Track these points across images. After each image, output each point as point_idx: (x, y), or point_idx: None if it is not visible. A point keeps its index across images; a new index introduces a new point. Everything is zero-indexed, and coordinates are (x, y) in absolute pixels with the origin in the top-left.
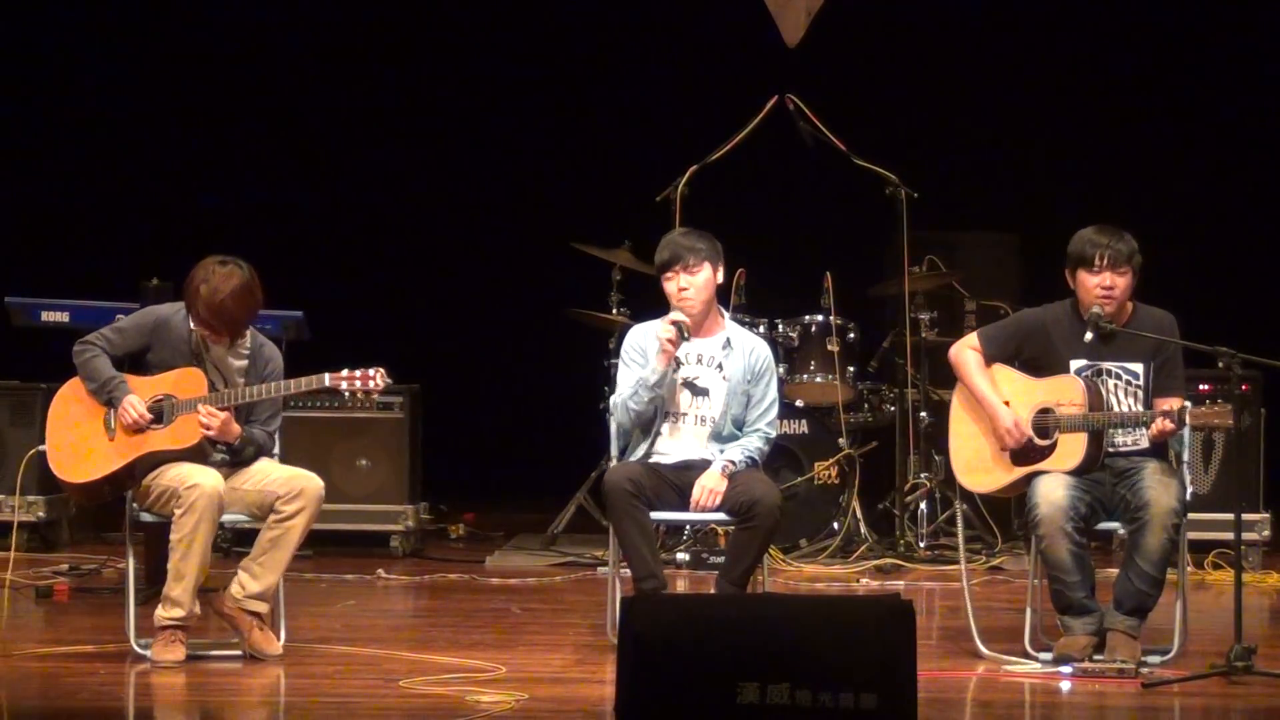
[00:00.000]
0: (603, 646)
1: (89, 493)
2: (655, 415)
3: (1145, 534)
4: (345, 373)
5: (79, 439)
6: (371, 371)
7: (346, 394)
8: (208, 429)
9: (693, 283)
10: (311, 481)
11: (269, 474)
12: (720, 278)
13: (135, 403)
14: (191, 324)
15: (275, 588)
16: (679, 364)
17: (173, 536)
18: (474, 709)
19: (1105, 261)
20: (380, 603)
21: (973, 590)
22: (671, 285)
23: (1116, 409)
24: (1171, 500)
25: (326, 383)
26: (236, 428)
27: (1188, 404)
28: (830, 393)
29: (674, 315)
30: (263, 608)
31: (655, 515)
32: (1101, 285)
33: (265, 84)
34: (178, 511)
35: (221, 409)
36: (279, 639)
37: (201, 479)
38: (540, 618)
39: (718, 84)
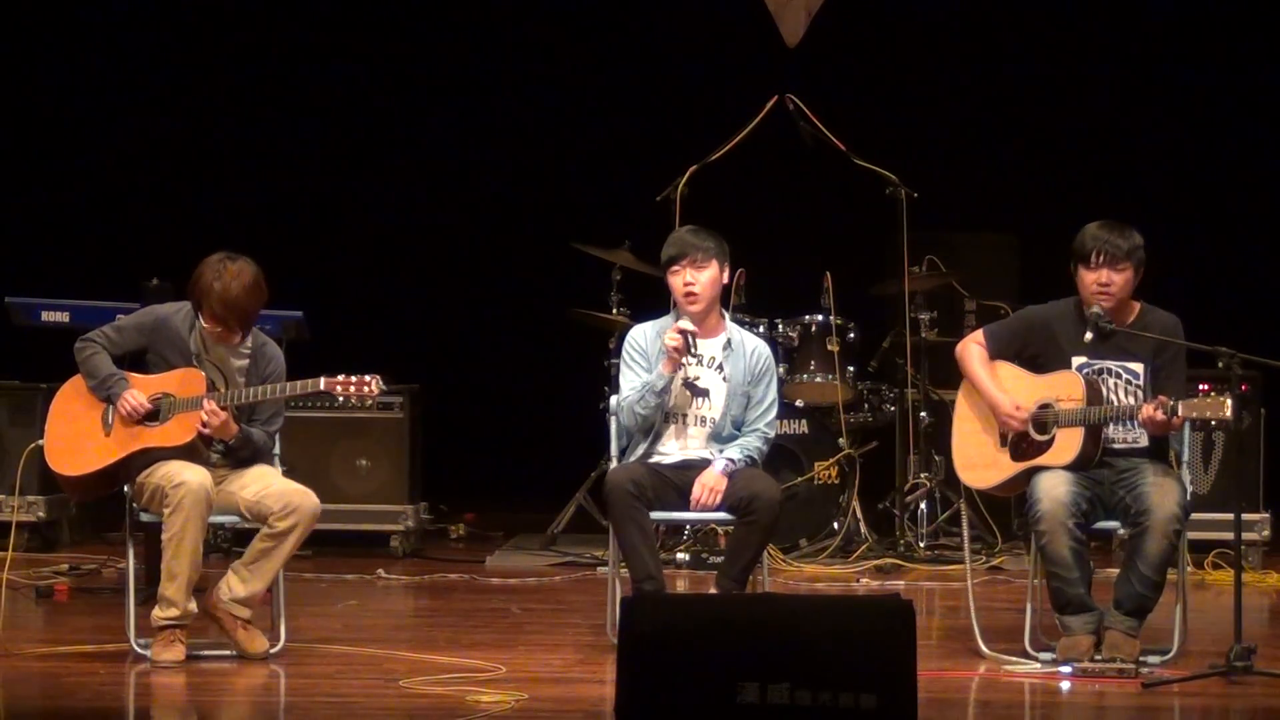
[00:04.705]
0: (603, 646)
1: (82, 487)
2: (658, 418)
3: (1146, 540)
4: (341, 378)
5: (75, 433)
6: (368, 378)
7: (341, 398)
8: (205, 425)
9: (699, 279)
10: (307, 499)
11: (268, 485)
12: (726, 277)
13: (136, 393)
14: (202, 321)
15: (260, 595)
16: (685, 365)
17: (163, 536)
18: (474, 709)
19: (1102, 258)
20: (380, 603)
21: (973, 590)
22: (677, 280)
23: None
24: (1172, 506)
25: (322, 386)
26: (234, 427)
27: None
28: (830, 393)
29: (683, 323)
30: (245, 614)
31: (656, 515)
32: (1098, 282)
33: (265, 83)
34: (166, 510)
35: (221, 408)
36: (280, 638)
37: (188, 477)
38: (540, 618)
39: (718, 84)
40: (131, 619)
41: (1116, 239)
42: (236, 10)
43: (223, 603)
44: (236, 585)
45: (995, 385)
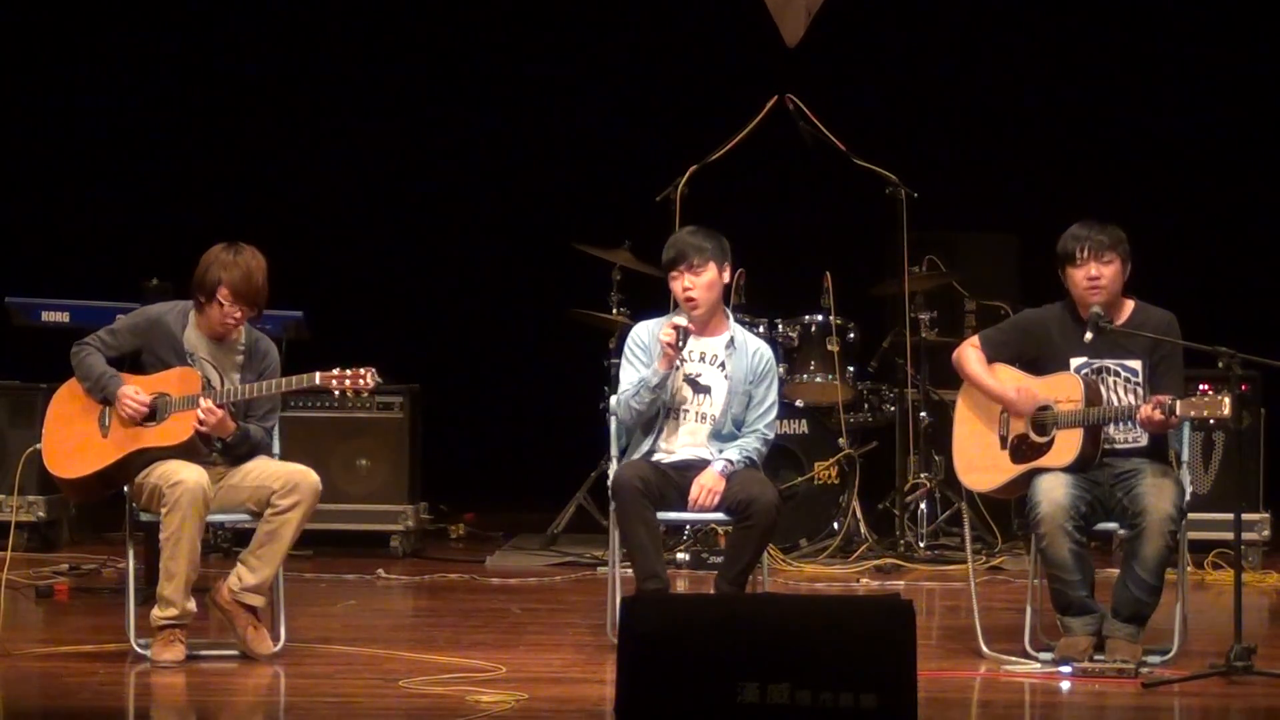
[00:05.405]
0: (603, 646)
1: (81, 489)
2: (657, 414)
3: (1143, 542)
4: (336, 371)
5: (73, 436)
6: (362, 370)
7: (337, 393)
8: (203, 423)
9: (697, 283)
10: (307, 476)
11: (267, 468)
12: (727, 277)
13: (133, 391)
14: (223, 303)
15: (271, 581)
16: (681, 362)
17: (161, 535)
18: (474, 709)
19: (1087, 253)
20: (380, 603)
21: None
22: (677, 285)
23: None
24: (1169, 507)
25: (317, 381)
26: (231, 424)
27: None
28: (830, 393)
29: (676, 319)
30: (259, 601)
31: (658, 515)
32: (1087, 276)
33: (265, 84)
34: (163, 510)
35: (217, 406)
36: (280, 638)
37: (185, 476)
38: (540, 618)
39: (718, 84)
40: (131, 619)
41: (1097, 234)
42: (236, 12)
43: (234, 593)
44: (245, 574)
45: (998, 383)
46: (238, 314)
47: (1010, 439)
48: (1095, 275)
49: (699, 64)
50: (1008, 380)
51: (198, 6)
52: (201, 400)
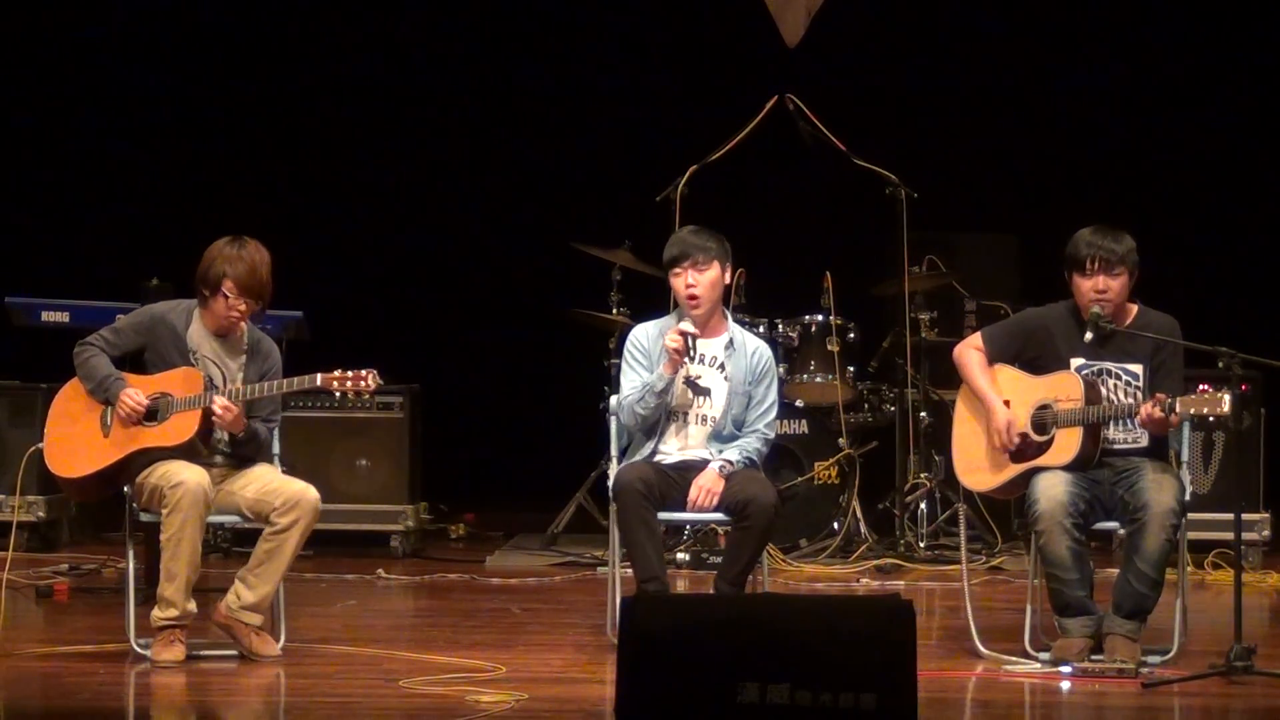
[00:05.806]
0: (603, 646)
1: (82, 488)
2: (659, 418)
3: (1143, 536)
4: (338, 373)
5: (74, 435)
6: (364, 372)
7: (338, 395)
8: (220, 418)
9: (700, 280)
10: (308, 494)
11: (268, 482)
12: (728, 278)
13: (133, 393)
14: (228, 296)
15: (270, 598)
16: (689, 363)
17: (161, 536)
18: (474, 709)
19: (1097, 265)
20: (380, 603)
21: (973, 590)
22: (679, 282)
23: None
24: (1170, 501)
25: (319, 382)
26: (243, 420)
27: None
28: (830, 393)
29: (684, 325)
30: (257, 620)
31: (659, 515)
32: (1095, 289)
33: (265, 84)
34: (164, 511)
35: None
36: (280, 639)
37: (186, 477)
38: (540, 618)
39: (718, 84)
40: (131, 619)
41: (1110, 244)
42: (235, 11)
43: (232, 611)
44: (244, 592)
45: (994, 394)
46: (242, 307)
47: None
48: (1103, 289)
49: (699, 64)
50: (1009, 384)
51: (197, 6)
52: (215, 398)
